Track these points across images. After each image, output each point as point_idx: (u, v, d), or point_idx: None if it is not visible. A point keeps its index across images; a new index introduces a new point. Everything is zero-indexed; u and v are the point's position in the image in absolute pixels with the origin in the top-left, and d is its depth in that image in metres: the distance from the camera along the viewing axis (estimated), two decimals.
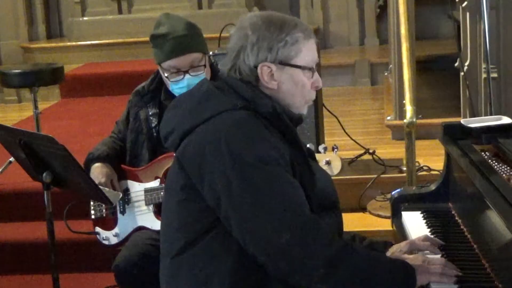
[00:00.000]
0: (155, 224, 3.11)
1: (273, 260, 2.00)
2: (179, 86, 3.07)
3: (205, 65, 3.11)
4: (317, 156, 2.84)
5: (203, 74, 3.08)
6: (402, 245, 2.27)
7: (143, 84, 3.28)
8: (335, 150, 3.16)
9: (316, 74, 2.24)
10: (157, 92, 3.22)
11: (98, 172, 3.16)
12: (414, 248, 2.25)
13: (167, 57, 3.05)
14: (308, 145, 2.51)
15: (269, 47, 2.15)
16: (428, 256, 2.16)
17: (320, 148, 3.11)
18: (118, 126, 3.34)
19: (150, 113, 3.19)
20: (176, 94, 3.02)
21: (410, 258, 2.12)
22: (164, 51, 3.06)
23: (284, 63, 2.17)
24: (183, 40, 3.05)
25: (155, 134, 3.16)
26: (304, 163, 2.18)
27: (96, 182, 3.11)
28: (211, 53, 3.54)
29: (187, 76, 3.06)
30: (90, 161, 3.20)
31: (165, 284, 2.21)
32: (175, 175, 2.17)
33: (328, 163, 3.04)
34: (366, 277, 2.00)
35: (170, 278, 2.18)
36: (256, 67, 2.16)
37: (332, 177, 2.47)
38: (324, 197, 2.25)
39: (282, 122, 2.15)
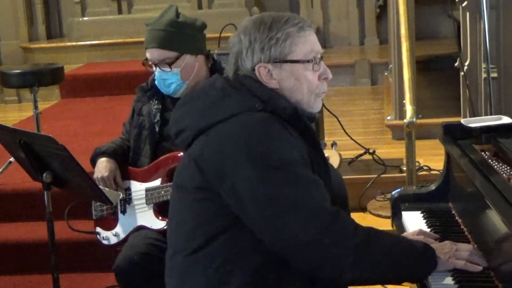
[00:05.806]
0: (154, 224, 3.12)
1: (303, 255, 2.00)
2: (154, 77, 3.15)
3: (192, 65, 3.10)
4: None
5: (173, 73, 3.08)
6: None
7: (148, 79, 3.31)
8: (334, 146, 3.15)
9: (322, 65, 2.20)
10: None
11: (102, 166, 3.19)
12: None
13: (144, 45, 3.14)
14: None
15: (261, 47, 2.14)
16: (458, 243, 2.15)
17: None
18: (125, 128, 3.37)
19: (153, 108, 3.21)
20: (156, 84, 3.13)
21: (439, 244, 2.12)
22: (145, 40, 3.14)
23: (280, 60, 2.14)
24: (158, 34, 3.09)
25: (157, 129, 3.18)
26: (321, 162, 2.18)
27: (100, 176, 3.16)
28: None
29: (158, 69, 3.11)
30: (97, 154, 3.24)
31: (175, 281, 2.18)
32: (189, 174, 2.13)
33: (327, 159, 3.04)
34: (391, 260, 2.02)
35: (182, 276, 2.15)
36: (253, 69, 2.15)
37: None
38: (336, 196, 2.24)
39: (301, 122, 2.14)
